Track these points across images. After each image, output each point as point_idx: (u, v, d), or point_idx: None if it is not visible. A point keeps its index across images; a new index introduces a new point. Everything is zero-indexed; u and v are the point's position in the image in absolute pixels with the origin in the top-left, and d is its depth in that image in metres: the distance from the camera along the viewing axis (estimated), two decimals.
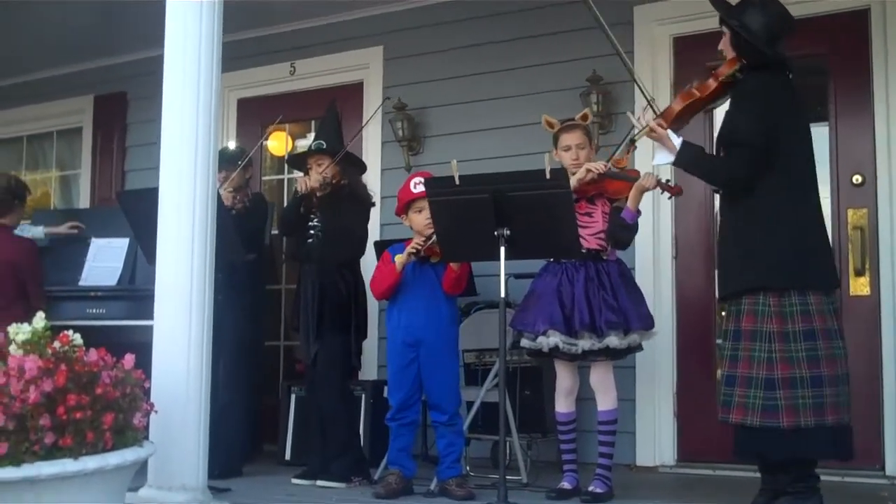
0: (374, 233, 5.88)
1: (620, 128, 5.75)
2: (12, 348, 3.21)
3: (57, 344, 3.21)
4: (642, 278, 5.35)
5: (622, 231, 4.57)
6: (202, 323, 3.82)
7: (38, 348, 3.19)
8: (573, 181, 4.44)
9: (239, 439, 5.37)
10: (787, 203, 3.91)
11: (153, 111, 6.85)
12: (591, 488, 4.49)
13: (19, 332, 3.22)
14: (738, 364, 3.90)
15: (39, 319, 3.26)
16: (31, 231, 6.21)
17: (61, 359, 3.15)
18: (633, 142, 4.45)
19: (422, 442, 5.67)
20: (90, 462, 3.10)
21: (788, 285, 3.85)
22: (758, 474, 4.10)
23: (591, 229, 4.58)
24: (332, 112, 5.38)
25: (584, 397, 4.84)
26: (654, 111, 4.26)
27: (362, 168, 5.47)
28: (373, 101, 6.72)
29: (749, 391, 3.85)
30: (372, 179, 6.22)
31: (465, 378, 5.67)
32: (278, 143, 7.46)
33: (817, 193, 4.08)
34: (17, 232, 6.10)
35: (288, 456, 5.92)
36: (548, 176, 3.98)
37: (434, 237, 4.59)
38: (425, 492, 4.71)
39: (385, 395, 5.01)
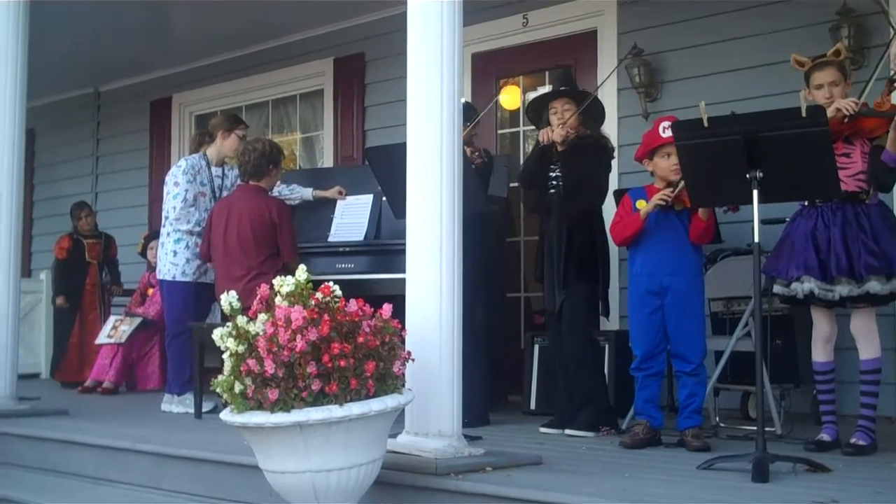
0: (612, 182, 5.80)
1: (875, 62, 5.39)
2: (278, 299, 3.37)
3: (319, 295, 3.35)
4: None
5: (885, 174, 4.32)
6: (452, 274, 3.88)
7: (301, 299, 3.34)
8: None
9: (486, 389, 5.45)
10: None
11: (390, 71, 7.09)
12: (853, 440, 4.30)
13: (284, 283, 3.38)
14: None
15: (302, 272, 3.40)
16: (301, 192, 6.48)
17: (324, 309, 3.29)
18: (893, 81, 4.16)
19: (667, 392, 5.59)
20: (354, 408, 3.23)
21: None
22: None
23: (850, 170, 4.34)
24: (567, 73, 5.36)
25: (840, 346, 4.62)
26: None
27: (602, 118, 5.39)
28: (607, 48, 6.62)
29: None
30: (609, 128, 6.12)
31: (712, 327, 5.54)
32: (511, 96, 7.46)
33: None
34: (287, 192, 6.39)
35: (533, 405, 5.97)
36: (804, 114, 3.79)
37: (681, 185, 4.50)
38: (675, 442, 4.65)
39: (629, 344, 4.95)
